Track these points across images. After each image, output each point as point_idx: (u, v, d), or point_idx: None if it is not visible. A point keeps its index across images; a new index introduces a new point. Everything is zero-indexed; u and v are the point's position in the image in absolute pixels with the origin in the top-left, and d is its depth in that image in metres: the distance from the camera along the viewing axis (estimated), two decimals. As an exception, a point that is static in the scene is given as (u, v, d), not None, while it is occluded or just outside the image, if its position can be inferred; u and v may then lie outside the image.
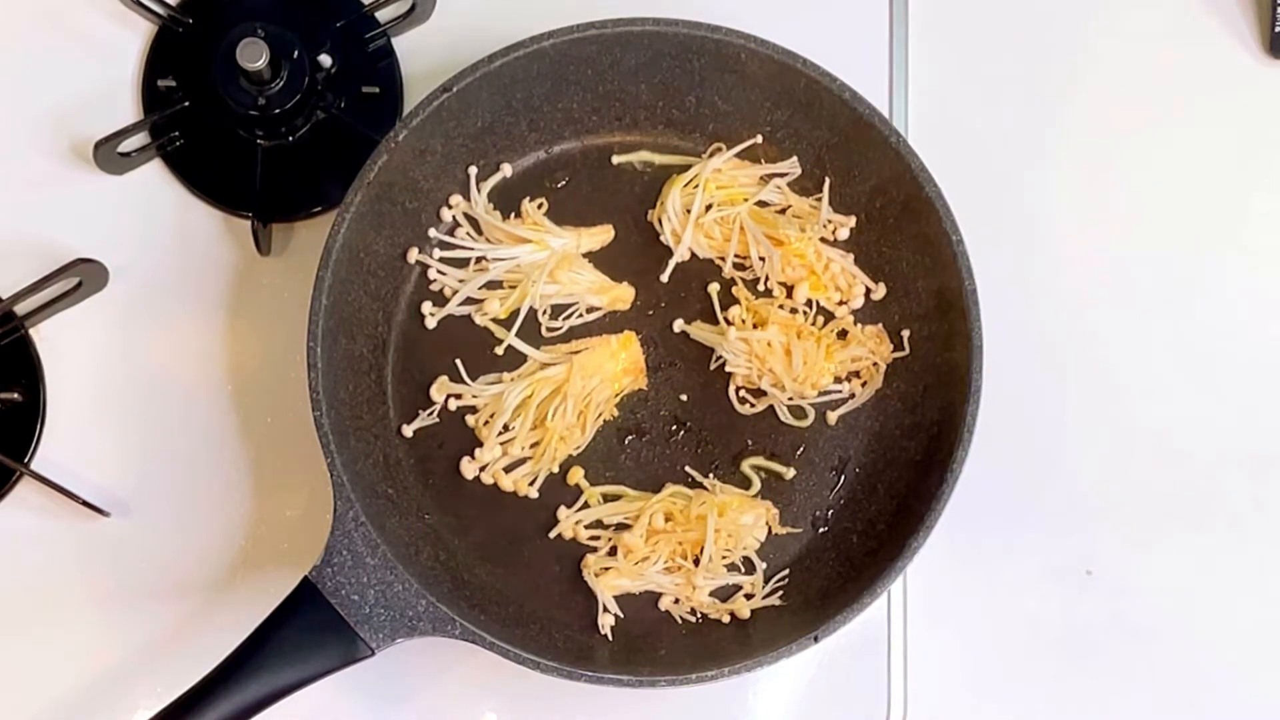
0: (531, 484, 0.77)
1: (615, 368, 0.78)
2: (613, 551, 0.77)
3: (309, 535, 0.77)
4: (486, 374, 0.78)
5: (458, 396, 0.78)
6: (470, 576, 0.76)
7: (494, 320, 0.78)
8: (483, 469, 0.77)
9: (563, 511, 0.77)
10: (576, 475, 0.78)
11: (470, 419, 0.78)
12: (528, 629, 0.74)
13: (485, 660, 0.70)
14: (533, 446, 0.77)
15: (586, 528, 0.77)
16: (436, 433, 0.78)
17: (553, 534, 0.77)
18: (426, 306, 0.79)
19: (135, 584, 0.78)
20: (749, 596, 0.76)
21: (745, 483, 0.78)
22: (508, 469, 0.77)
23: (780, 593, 0.77)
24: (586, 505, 0.77)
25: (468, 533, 0.77)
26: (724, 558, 0.76)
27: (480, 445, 0.77)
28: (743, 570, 0.77)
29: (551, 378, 0.77)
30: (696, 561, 0.76)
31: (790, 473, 0.78)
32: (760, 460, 0.78)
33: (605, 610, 0.76)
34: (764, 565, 0.77)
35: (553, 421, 0.77)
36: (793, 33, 0.77)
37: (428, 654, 0.75)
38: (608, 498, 0.78)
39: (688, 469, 0.78)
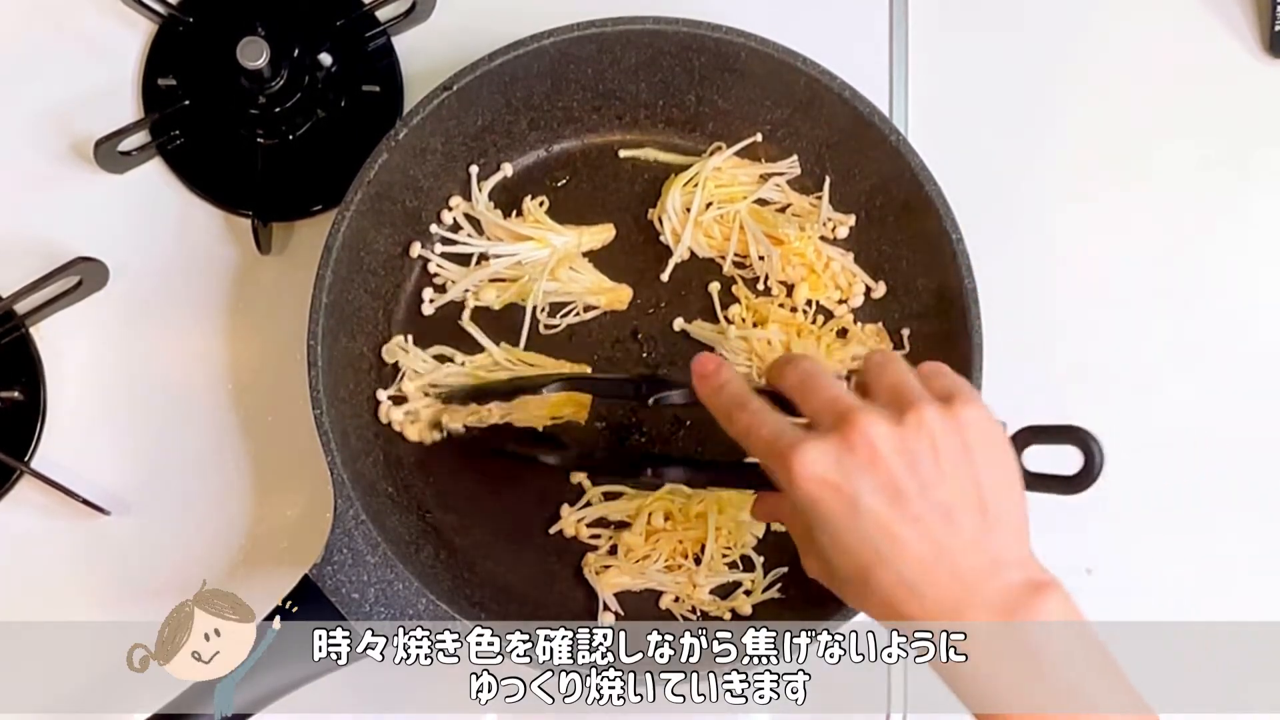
0: (433, 431, 0.77)
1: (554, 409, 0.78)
2: (613, 550, 0.77)
3: (309, 534, 0.78)
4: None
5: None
6: (470, 574, 0.76)
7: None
8: (396, 403, 0.77)
9: (565, 509, 0.77)
10: (580, 474, 0.78)
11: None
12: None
13: (485, 658, 0.70)
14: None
15: (588, 526, 0.77)
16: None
17: (553, 531, 0.77)
18: (427, 293, 0.79)
19: (135, 583, 0.78)
20: (749, 593, 0.76)
21: (745, 481, 0.78)
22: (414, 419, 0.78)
23: (781, 591, 0.77)
24: (589, 504, 0.77)
25: (468, 531, 0.77)
26: (724, 555, 0.76)
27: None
28: (742, 568, 0.77)
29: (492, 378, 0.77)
30: (697, 560, 0.76)
31: None
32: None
33: (606, 608, 0.76)
34: (763, 561, 0.77)
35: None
36: (793, 31, 0.78)
37: (428, 652, 0.75)
38: (609, 496, 0.78)
39: (688, 467, 0.78)
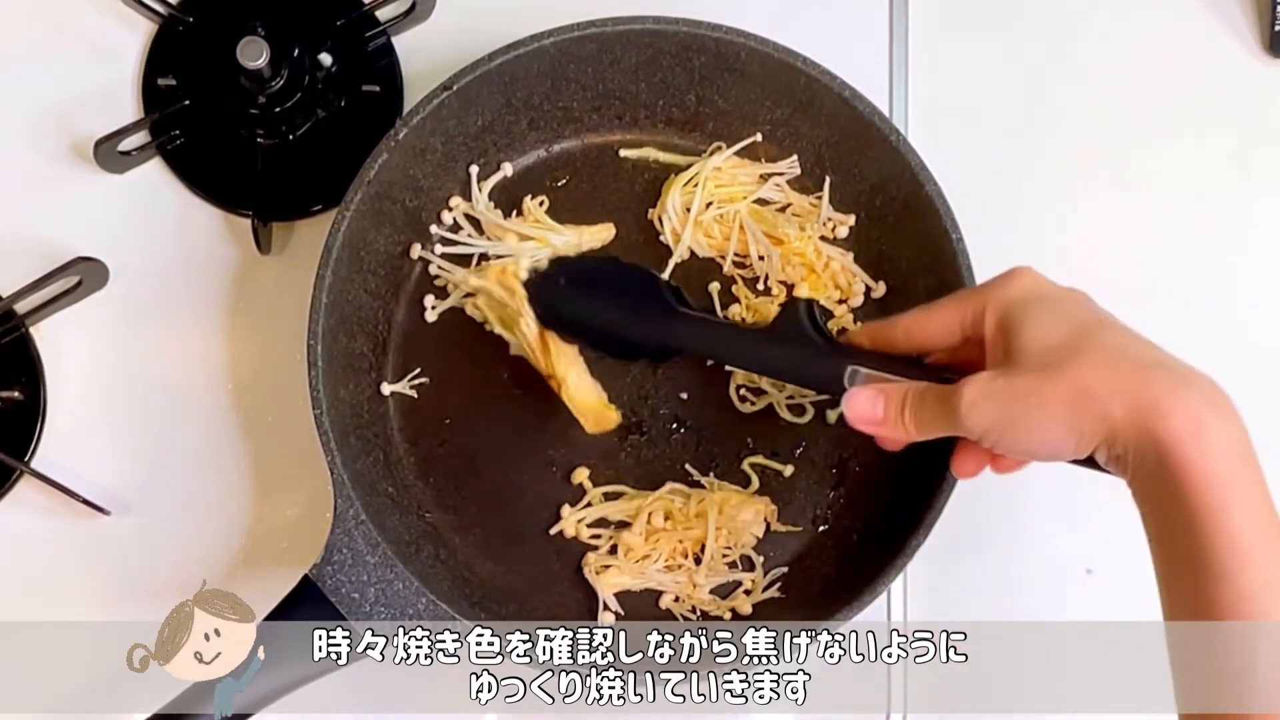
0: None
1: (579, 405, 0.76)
2: (613, 550, 0.77)
3: (309, 534, 0.78)
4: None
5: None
6: (470, 574, 0.76)
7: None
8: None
9: (565, 510, 0.77)
10: (581, 475, 0.78)
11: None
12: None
13: (485, 658, 0.70)
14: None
15: (588, 526, 0.77)
16: (437, 432, 0.78)
17: (553, 531, 0.77)
18: (429, 300, 0.79)
19: (136, 583, 0.78)
20: (749, 593, 0.76)
21: (745, 480, 0.78)
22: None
23: (781, 591, 0.77)
24: (589, 504, 0.77)
25: (468, 531, 0.77)
26: (725, 555, 0.76)
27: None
28: (742, 568, 0.77)
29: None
30: (697, 560, 0.76)
31: (789, 470, 0.78)
32: (760, 459, 0.78)
33: (606, 608, 0.76)
34: (763, 561, 0.77)
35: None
36: (793, 31, 0.78)
37: (428, 652, 0.75)
38: (609, 496, 0.78)
39: (687, 467, 0.78)
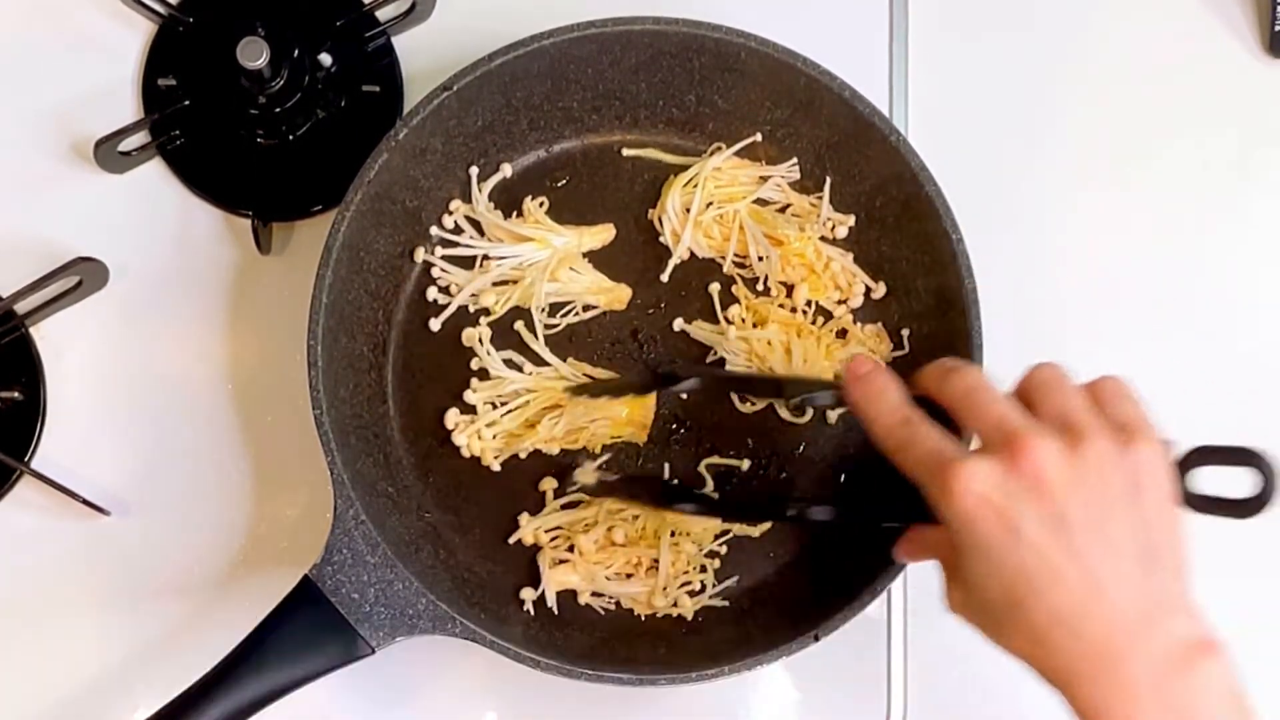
0: (496, 458, 0.77)
1: (621, 414, 0.77)
2: (571, 548, 0.77)
3: (309, 534, 0.78)
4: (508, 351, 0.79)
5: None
6: (470, 574, 0.76)
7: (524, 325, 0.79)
8: (459, 425, 0.77)
9: (524, 519, 0.77)
10: (548, 485, 0.78)
11: (474, 382, 0.78)
12: (527, 627, 0.74)
13: (485, 659, 0.70)
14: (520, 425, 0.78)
15: (546, 532, 0.77)
16: (436, 432, 0.78)
17: (512, 540, 0.77)
18: (431, 292, 0.79)
19: (135, 583, 0.78)
20: (693, 595, 0.76)
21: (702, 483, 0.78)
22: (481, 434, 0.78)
23: (777, 591, 0.77)
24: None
25: (468, 531, 0.77)
26: (684, 575, 0.76)
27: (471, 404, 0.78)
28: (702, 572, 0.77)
29: (557, 390, 0.77)
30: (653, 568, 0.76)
31: (745, 465, 0.78)
32: (715, 459, 0.78)
33: (537, 590, 0.76)
34: (763, 559, 0.77)
35: (540, 428, 0.77)
36: (793, 31, 0.78)
37: (428, 652, 0.75)
38: (567, 505, 0.77)
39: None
